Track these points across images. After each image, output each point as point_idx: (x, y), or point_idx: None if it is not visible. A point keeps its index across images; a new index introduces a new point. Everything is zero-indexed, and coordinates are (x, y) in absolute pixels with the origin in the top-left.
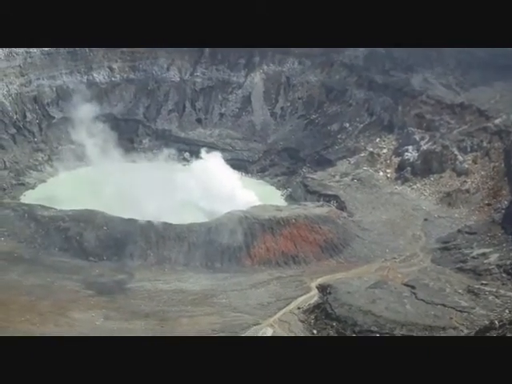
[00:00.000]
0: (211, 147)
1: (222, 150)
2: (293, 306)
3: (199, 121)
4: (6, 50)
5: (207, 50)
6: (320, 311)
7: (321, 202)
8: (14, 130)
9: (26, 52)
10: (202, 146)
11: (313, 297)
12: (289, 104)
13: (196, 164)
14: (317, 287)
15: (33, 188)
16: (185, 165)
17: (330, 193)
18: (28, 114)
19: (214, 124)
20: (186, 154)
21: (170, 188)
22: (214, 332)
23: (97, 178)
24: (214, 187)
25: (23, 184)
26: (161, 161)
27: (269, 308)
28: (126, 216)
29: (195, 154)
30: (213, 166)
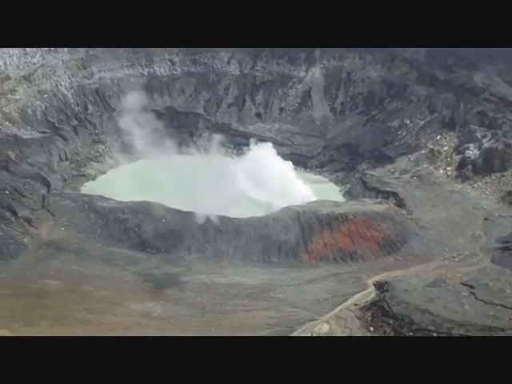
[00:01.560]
0: (270, 142)
1: (281, 145)
2: (349, 302)
3: (259, 115)
4: None
5: None
6: (377, 309)
7: (379, 199)
8: (75, 122)
9: None
10: (262, 141)
11: (370, 294)
12: (349, 99)
13: (251, 156)
14: (374, 284)
15: (93, 179)
16: (241, 157)
17: (388, 190)
18: (89, 106)
19: (273, 118)
20: (244, 148)
21: (227, 181)
22: (269, 327)
23: (156, 171)
24: (271, 181)
25: (84, 175)
26: (219, 154)
27: (325, 304)
28: (184, 209)
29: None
30: (268, 158)
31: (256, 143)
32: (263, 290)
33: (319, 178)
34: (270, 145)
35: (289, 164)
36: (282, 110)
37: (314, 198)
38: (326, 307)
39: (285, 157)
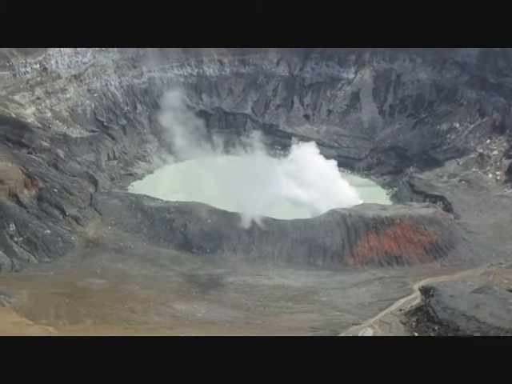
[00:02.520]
0: (318, 144)
1: (329, 147)
2: (394, 307)
3: (307, 117)
4: None
5: None
6: (422, 314)
7: (427, 203)
8: (124, 121)
9: None
10: (304, 140)
11: (415, 299)
12: (398, 102)
13: (295, 156)
14: (419, 289)
15: (140, 179)
16: (286, 158)
17: (436, 193)
18: (138, 106)
19: (321, 120)
20: (289, 149)
21: (273, 182)
22: (313, 329)
23: (202, 171)
24: (316, 181)
25: (131, 174)
26: (266, 155)
27: (370, 308)
28: (230, 209)
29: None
30: (312, 158)
31: (298, 143)
32: (308, 293)
33: (366, 180)
34: (313, 144)
35: (332, 163)
36: (330, 111)
37: (360, 201)
38: (370, 311)
39: (333, 159)
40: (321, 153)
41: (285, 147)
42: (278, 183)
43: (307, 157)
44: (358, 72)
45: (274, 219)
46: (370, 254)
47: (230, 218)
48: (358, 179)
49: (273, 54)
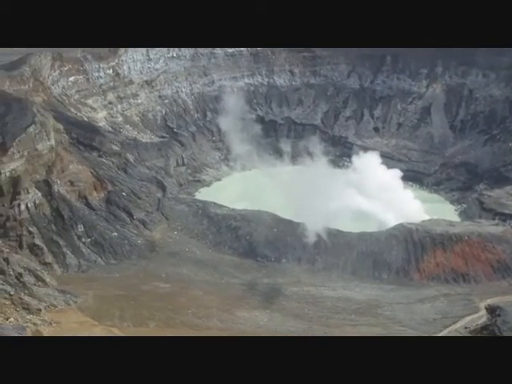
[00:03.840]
0: (387, 157)
1: (398, 161)
2: (459, 325)
3: (376, 129)
4: (192, 50)
5: (389, 58)
6: (487, 333)
7: (496, 221)
8: (194, 128)
9: (211, 53)
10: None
11: (481, 317)
12: (469, 117)
13: (358, 167)
14: (486, 308)
15: (208, 185)
16: (350, 169)
17: (506, 212)
18: (208, 113)
19: (391, 133)
20: (353, 159)
21: (338, 193)
22: None
23: (269, 180)
24: (380, 193)
25: (199, 181)
26: (333, 166)
27: (434, 324)
28: (295, 219)
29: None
30: (375, 168)
31: (359, 153)
32: (371, 306)
33: (434, 196)
34: (375, 154)
35: (396, 172)
36: (400, 125)
37: (427, 216)
38: (434, 328)
39: (401, 173)
40: (389, 166)
41: (354, 159)
42: (342, 194)
43: (370, 167)
44: (430, 86)
45: (340, 231)
46: (436, 270)
47: (296, 227)
48: (426, 194)
49: (344, 65)
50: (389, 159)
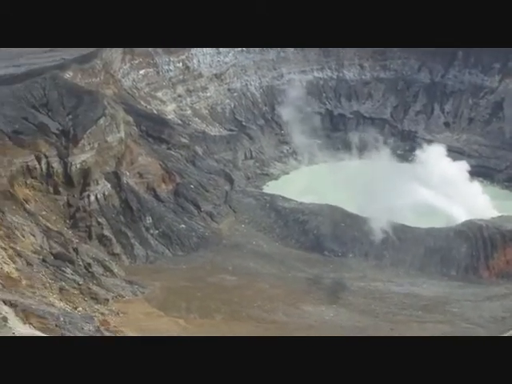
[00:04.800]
0: (457, 152)
1: (469, 156)
2: None
3: (447, 124)
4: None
5: (460, 52)
6: None
7: None
8: (262, 122)
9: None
10: (447, 150)
11: None
12: None
13: (426, 161)
14: None
15: (276, 179)
16: (416, 163)
17: None
18: (277, 107)
19: (461, 129)
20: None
21: (405, 188)
22: None
23: (336, 174)
24: (448, 188)
25: (267, 174)
26: (401, 161)
27: (503, 323)
28: (363, 214)
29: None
30: (442, 162)
31: (423, 146)
32: (439, 303)
33: (506, 192)
34: (441, 146)
35: (463, 165)
36: (471, 120)
37: (496, 212)
38: (503, 326)
39: (471, 169)
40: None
41: (421, 153)
42: (409, 188)
43: (435, 160)
44: (503, 81)
45: (408, 226)
46: (506, 268)
47: (363, 222)
48: (498, 190)
49: (414, 60)
50: (459, 154)
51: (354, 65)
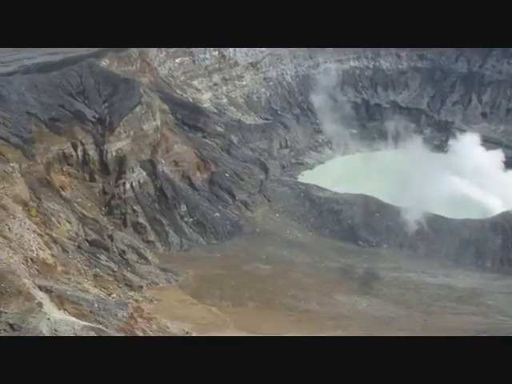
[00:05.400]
0: (494, 143)
1: (507, 147)
2: None
3: (484, 115)
4: None
5: None
6: None
7: None
8: (298, 111)
9: None
10: (484, 141)
11: None
12: None
13: (460, 151)
14: None
15: (311, 168)
16: (451, 152)
17: None
18: (312, 96)
19: (499, 119)
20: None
21: (440, 178)
22: (477, 333)
23: (371, 164)
24: (485, 180)
25: (302, 163)
26: (438, 151)
27: None
28: (398, 204)
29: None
30: (476, 151)
31: (456, 135)
32: (473, 295)
33: None
34: (475, 135)
35: (497, 154)
36: (509, 111)
37: None
38: None
39: (506, 159)
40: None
41: (457, 143)
42: (444, 179)
43: (469, 149)
44: None
45: (443, 217)
46: None
47: (398, 213)
48: None
49: (451, 50)
50: (496, 145)
51: (390, 54)
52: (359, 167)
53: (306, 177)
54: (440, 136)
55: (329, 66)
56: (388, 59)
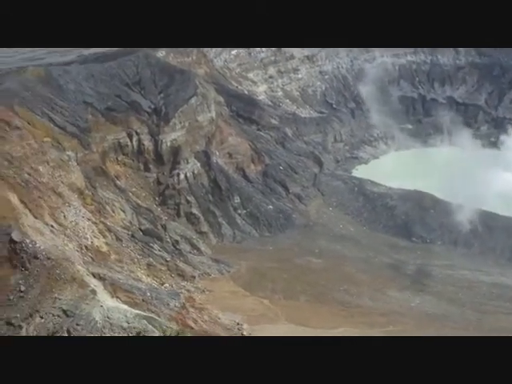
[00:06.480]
0: None
1: None
2: None
3: None
4: None
5: None
6: None
7: None
8: (353, 105)
9: None
10: None
11: None
12: None
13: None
14: None
15: (365, 163)
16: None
17: None
18: (368, 90)
19: None
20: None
21: (497, 176)
22: None
23: (427, 160)
24: None
25: (356, 158)
26: (494, 148)
27: None
28: (453, 201)
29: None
30: None
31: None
32: None
33: None
34: None
35: None
36: None
37: None
38: None
39: None
40: None
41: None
42: (500, 176)
43: None
44: None
45: (499, 215)
46: None
47: (453, 210)
48: None
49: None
50: None
51: (448, 49)
52: (414, 163)
53: (360, 171)
54: (497, 133)
55: (385, 60)
56: (445, 54)
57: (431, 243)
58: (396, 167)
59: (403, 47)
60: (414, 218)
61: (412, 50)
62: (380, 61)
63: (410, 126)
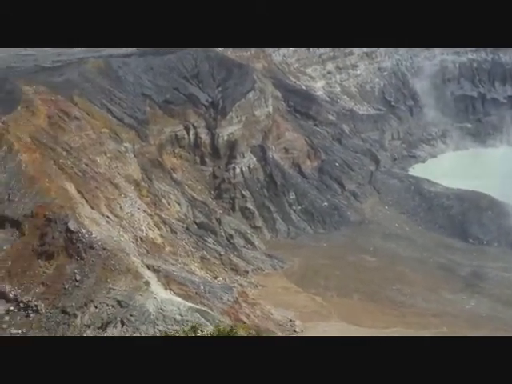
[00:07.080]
0: None
1: None
2: None
3: None
4: None
5: None
6: None
7: None
8: (411, 102)
9: None
10: None
11: None
12: None
13: None
14: None
15: (423, 162)
16: None
17: None
18: (427, 88)
19: None
20: None
21: None
22: None
23: (485, 161)
24: None
25: (414, 156)
26: None
27: None
28: (511, 203)
29: None
30: None
31: None
32: None
33: None
34: None
35: None
36: None
37: None
38: None
39: None
40: None
41: None
42: None
43: None
44: None
45: None
46: None
47: (511, 211)
48: None
49: None
50: None
51: (510, 48)
52: (472, 163)
53: (416, 170)
54: None
55: (445, 57)
56: (508, 53)
57: (487, 245)
58: (454, 167)
59: (464, 47)
60: (470, 219)
61: (474, 48)
62: (440, 58)
63: (469, 125)
